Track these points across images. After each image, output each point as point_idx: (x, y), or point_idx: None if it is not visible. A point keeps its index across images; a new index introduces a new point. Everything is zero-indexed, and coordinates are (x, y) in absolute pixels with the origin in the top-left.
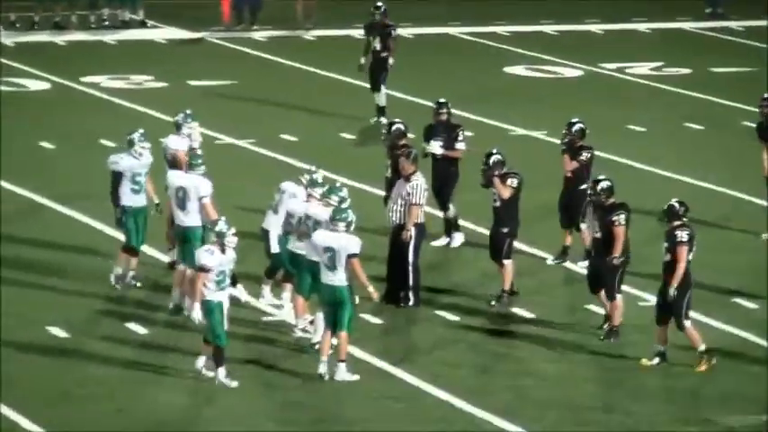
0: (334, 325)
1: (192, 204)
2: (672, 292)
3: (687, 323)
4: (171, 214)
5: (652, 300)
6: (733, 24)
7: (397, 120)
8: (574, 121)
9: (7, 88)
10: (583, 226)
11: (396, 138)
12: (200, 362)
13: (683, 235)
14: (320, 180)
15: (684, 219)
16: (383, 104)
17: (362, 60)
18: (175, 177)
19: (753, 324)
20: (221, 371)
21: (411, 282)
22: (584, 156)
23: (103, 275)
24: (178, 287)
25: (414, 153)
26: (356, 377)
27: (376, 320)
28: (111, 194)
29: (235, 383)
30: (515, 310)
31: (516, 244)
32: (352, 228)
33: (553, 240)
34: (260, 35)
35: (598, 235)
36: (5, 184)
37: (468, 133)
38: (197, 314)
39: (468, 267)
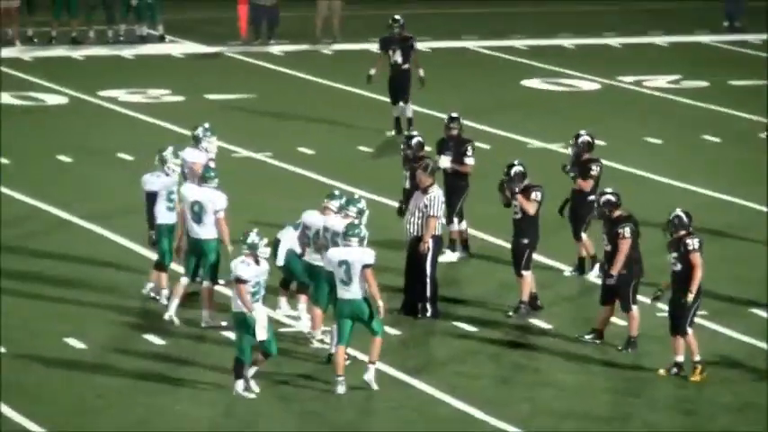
0: (348, 338)
1: (208, 218)
2: (690, 298)
3: (690, 330)
4: (184, 227)
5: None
6: (750, 37)
7: (415, 132)
8: (581, 133)
9: (25, 102)
10: (584, 236)
11: (415, 150)
12: (251, 372)
13: (694, 243)
14: (336, 192)
15: (690, 228)
16: (410, 116)
17: (372, 72)
18: (191, 190)
19: None
20: (240, 383)
21: (429, 293)
22: (595, 170)
23: (122, 288)
24: (177, 298)
25: (431, 166)
26: (376, 387)
27: (394, 332)
28: (148, 215)
29: (253, 395)
30: (533, 321)
31: (534, 256)
32: (365, 243)
33: (569, 252)
34: (277, 49)
35: (608, 248)
36: (23, 197)
37: (483, 146)
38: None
39: (486, 279)
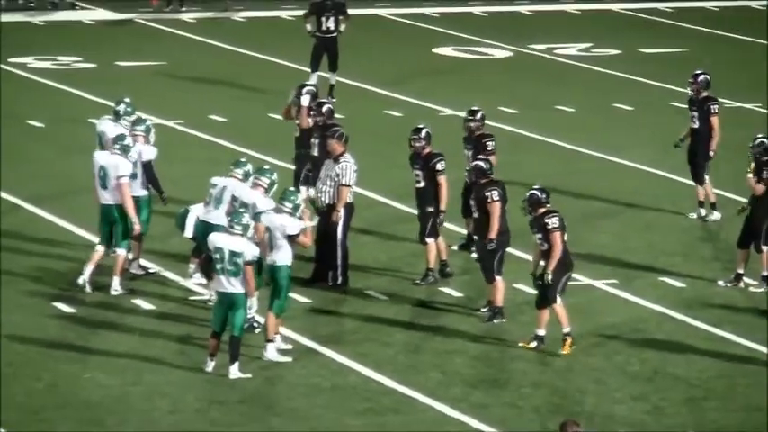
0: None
1: (111, 183)
2: (548, 278)
3: (559, 300)
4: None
5: (584, 280)
6: (661, 5)
7: (325, 99)
8: (474, 109)
9: None
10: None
11: (326, 117)
12: (211, 365)
13: (553, 221)
14: (243, 159)
15: (548, 204)
16: (333, 83)
17: (309, 27)
18: (98, 157)
19: (681, 302)
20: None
21: (340, 261)
22: (491, 146)
23: (33, 256)
24: (91, 265)
25: (344, 134)
26: (287, 359)
27: (304, 300)
28: (150, 181)
29: (248, 375)
30: (443, 289)
31: (446, 224)
32: (297, 213)
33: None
34: (188, 16)
35: (476, 215)
36: None
37: (395, 113)
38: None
39: (396, 247)
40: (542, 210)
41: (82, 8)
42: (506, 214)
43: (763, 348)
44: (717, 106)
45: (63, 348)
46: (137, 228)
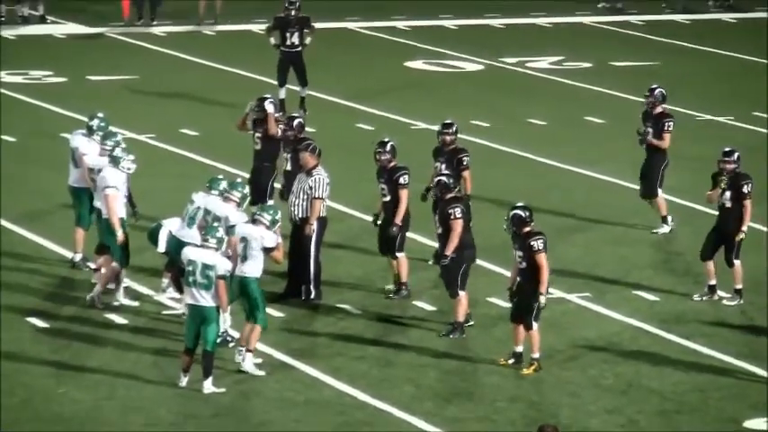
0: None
1: (101, 194)
2: (543, 300)
3: (535, 326)
4: None
5: (557, 294)
6: (632, 19)
7: (296, 113)
8: (448, 122)
9: None
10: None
11: (297, 131)
12: (185, 380)
13: (538, 244)
14: (220, 176)
15: (532, 223)
16: (304, 95)
17: (273, 40)
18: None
19: (654, 316)
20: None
21: (312, 275)
22: (466, 160)
23: (2, 271)
24: (119, 285)
25: (317, 147)
26: (261, 373)
27: (277, 314)
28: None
29: (222, 389)
30: (416, 302)
31: (417, 237)
32: (274, 228)
33: None
34: (160, 30)
35: (439, 230)
36: None
37: (367, 127)
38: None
39: (369, 261)
40: (527, 229)
41: (53, 22)
42: (471, 230)
43: (736, 362)
44: (671, 124)
45: (37, 363)
46: (120, 237)
